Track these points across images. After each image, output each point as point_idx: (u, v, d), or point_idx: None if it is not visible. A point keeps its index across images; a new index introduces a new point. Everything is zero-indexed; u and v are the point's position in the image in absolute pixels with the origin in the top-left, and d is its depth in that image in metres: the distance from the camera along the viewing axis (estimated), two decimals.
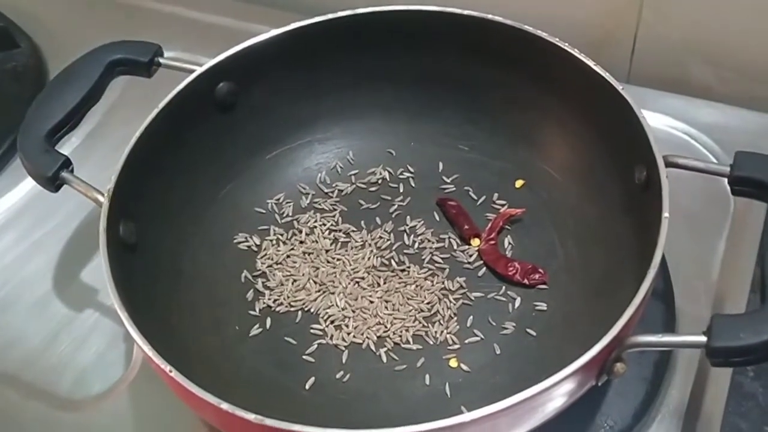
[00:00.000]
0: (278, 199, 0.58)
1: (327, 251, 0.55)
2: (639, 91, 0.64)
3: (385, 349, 0.50)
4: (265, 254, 0.56)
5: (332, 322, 0.52)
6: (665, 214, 0.43)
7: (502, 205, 0.57)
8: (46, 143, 0.51)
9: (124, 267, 0.46)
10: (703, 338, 0.38)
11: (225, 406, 0.39)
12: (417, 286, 0.53)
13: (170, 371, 0.40)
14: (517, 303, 0.52)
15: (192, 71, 0.54)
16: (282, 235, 0.57)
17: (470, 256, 0.54)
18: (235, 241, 0.56)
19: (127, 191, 0.49)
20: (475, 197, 0.57)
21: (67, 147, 0.64)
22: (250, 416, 0.38)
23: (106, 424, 0.52)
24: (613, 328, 0.39)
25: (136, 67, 0.56)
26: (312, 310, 0.53)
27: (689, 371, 0.51)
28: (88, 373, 0.54)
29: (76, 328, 0.56)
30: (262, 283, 0.54)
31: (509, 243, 0.55)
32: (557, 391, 0.39)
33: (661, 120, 0.64)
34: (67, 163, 0.51)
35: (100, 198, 0.48)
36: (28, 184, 0.62)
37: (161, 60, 0.56)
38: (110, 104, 0.67)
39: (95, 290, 0.58)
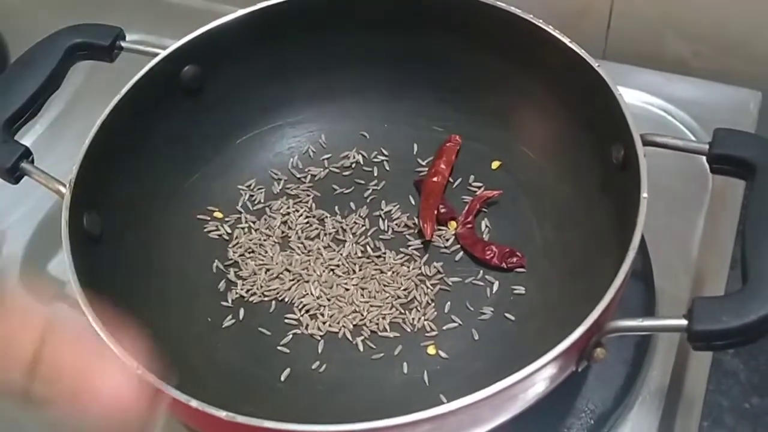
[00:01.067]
0: (249, 186, 0.57)
1: (300, 238, 0.54)
2: (615, 67, 0.63)
3: (362, 337, 0.49)
4: (237, 243, 0.54)
5: (307, 311, 0.51)
6: (644, 195, 0.42)
7: (479, 188, 0.56)
8: (4, 133, 0.49)
9: (90, 260, 0.45)
10: (684, 322, 0.38)
11: (194, 403, 0.37)
12: (393, 272, 0.52)
13: (137, 368, 0.39)
14: (495, 287, 0.51)
15: (155, 55, 0.52)
16: (254, 222, 0.55)
17: (447, 240, 0.53)
18: (205, 229, 0.55)
19: (91, 181, 0.47)
20: (451, 179, 0.56)
21: (30, 136, 0.63)
22: (221, 413, 0.37)
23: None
24: (592, 314, 0.39)
25: (96, 52, 0.54)
26: (286, 300, 0.51)
27: (670, 352, 0.50)
28: None
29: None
30: (234, 272, 0.53)
31: (486, 226, 0.54)
32: (537, 378, 0.38)
33: (637, 96, 0.63)
34: (26, 154, 0.49)
35: (62, 189, 0.46)
36: None
37: (123, 44, 0.54)
38: (74, 91, 0.65)
39: (63, 283, 0.57)
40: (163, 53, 0.52)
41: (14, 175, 0.49)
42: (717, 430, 0.47)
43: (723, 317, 0.37)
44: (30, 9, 0.75)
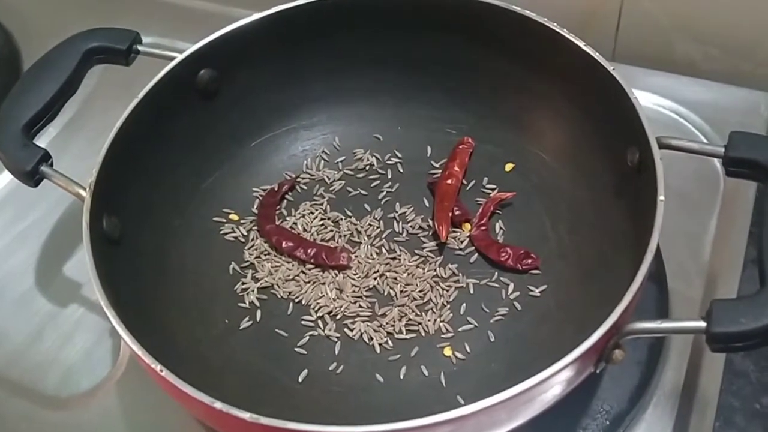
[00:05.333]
0: (264, 188, 0.57)
1: (316, 240, 0.54)
2: (624, 69, 0.63)
3: (378, 339, 0.50)
4: (253, 245, 0.54)
5: (323, 313, 0.51)
6: (660, 198, 0.43)
7: (493, 189, 0.56)
8: (23, 137, 0.49)
9: (109, 263, 0.45)
10: (703, 324, 0.38)
11: (218, 405, 0.38)
12: (409, 274, 0.52)
13: (161, 370, 0.39)
14: (510, 289, 0.51)
15: (172, 58, 0.53)
16: None
17: (462, 242, 0.54)
18: (221, 232, 0.55)
19: (109, 185, 0.48)
20: (465, 182, 0.56)
21: (44, 138, 0.63)
22: (245, 415, 0.37)
23: (94, 422, 0.51)
24: (612, 315, 0.39)
25: (114, 56, 0.54)
26: (303, 302, 0.52)
27: (683, 353, 0.50)
28: (75, 370, 0.53)
29: (61, 324, 0.55)
30: (251, 274, 0.53)
31: (500, 228, 0.54)
32: (556, 380, 0.39)
33: (648, 98, 0.63)
34: (46, 157, 0.49)
35: (82, 192, 0.47)
36: (7, 177, 0.60)
37: (140, 47, 0.54)
38: (88, 93, 0.65)
39: (79, 284, 0.57)
40: (179, 57, 0.52)
41: (34, 179, 0.49)
42: (728, 430, 0.47)
43: (741, 319, 0.37)
44: (42, 13, 0.75)
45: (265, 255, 0.54)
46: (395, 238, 0.54)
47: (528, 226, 0.54)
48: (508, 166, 0.57)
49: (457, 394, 0.46)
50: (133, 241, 0.49)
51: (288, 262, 0.53)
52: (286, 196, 0.57)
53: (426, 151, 0.58)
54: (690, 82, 0.65)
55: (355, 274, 0.52)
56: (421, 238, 0.54)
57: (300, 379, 0.48)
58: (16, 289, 0.57)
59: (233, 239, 0.55)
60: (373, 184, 0.57)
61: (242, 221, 0.56)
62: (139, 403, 0.51)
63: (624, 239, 0.47)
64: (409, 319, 0.50)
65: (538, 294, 0.51)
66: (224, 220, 0.56)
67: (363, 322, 0.50)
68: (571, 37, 0.51)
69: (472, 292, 0.51)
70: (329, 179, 0.58)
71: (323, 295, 0.52)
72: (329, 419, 0.45)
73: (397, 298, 0.51)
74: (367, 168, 0.58)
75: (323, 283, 0.52)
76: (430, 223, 0.55)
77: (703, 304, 0.52)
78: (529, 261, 0.52)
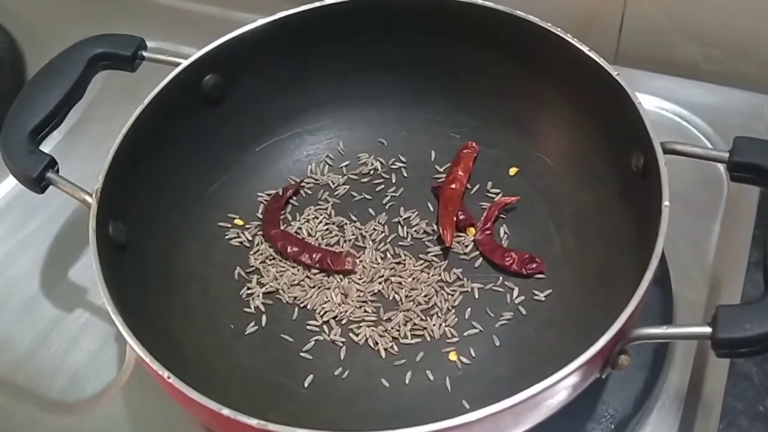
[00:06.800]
0: (269, 193, 0.57)
1: (320, 245, 0.55)
2: (627, 72, 0.63)
3: (384, 344, 0.50)
4: (258, 250, 0.55)
5: (329, 318, 0.51)
6: (665, 203, 0.43)
7: (497, 194, 0.56)
8: (29, 143, 0.50)
9: (115, 269, 0.45)
10: (708, 329, 0.38)
11: (226, 411, 0.38)
12: (413, 278, 0.52)
13: (168, 377, 0.39)
14: (515, 293, 0.51)
15: (177, 64, 0.53)
16: None
17: (466, 246, 0.54)
18: (226, 237, 0.55)
19: (115, 191, 0.48)
20: (469, 186, 0.57)
21: (48, 143, 0.62)
22: (253, 421, 0.37)
23: (100, 427, 0.51)
24: (617, 321, 0.39)
25: (119, 62, 0.54)
26: (308, 306, 0.52)
27: (688, 357, 0.51)
28: (81, 375, 0.53)
29: (66, 329, 0.55)
30: (256, 279, 0.53)
31: (505, 232, 0.54)
32: (562, 386, 0.39)
33: (651, 101, 0.63)
34: (52, 164, 0.49)
35: (88, 199, 0.47)
36: (11, 182, 0.60)
37: (145, 54, 0.54)
38: (92, 98, 0.65)
39: (85, 289, 0.57)
40: (184, 63, 0.52)
41: (40, 185, 0.49)
42: None
43: (747, 325, 0.37)
44: (46, 19, 0.75)
45: (270, 260, 0.54)
46: (400, 243, 0.54)
47: (532, 230, 0.54)
48: (512, 171, 0.57)
49: (463, 398, 0.47)
50: (138, 247, 0.49)
51: (293, 267, 0.54)
52: (291, 200, 0.57)
53: (430, 156, 0.58)
54: (693, 85, 0.65)
55: (360, 279, 0.53)
56: (426, 242, 0.54)
57: (305, 384, 0.48)
58: (22, 294, 0.57)
59: (238, 244, 0.55)
60: (378, 189, 0.57)
61: (247, 226, 0.56)
62: (145, 408, 0.51)
63: (628, 243, 0.47)
64: (414, 324, 0.50)
65: (543, 298, 0.51)
66: (229, 225, 0.56)
67: (368, 326, 0.51)
68: (574, 41, 0.51)
69: (476, 296, 0.52)
70: (334, 184, 0.58)
71: (328, 300, 0.52)
72: (336, 425, 0.45)
73: (402, 303, 0.51)
74: (372, 172, 0.58)
75: (328, 288, 0.52)
76: (435, 227, 0.55)
77: (707, 307, 0.52)
78: (534, 265, 0.52)
